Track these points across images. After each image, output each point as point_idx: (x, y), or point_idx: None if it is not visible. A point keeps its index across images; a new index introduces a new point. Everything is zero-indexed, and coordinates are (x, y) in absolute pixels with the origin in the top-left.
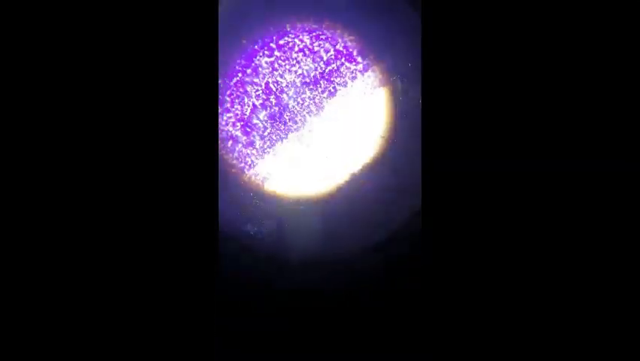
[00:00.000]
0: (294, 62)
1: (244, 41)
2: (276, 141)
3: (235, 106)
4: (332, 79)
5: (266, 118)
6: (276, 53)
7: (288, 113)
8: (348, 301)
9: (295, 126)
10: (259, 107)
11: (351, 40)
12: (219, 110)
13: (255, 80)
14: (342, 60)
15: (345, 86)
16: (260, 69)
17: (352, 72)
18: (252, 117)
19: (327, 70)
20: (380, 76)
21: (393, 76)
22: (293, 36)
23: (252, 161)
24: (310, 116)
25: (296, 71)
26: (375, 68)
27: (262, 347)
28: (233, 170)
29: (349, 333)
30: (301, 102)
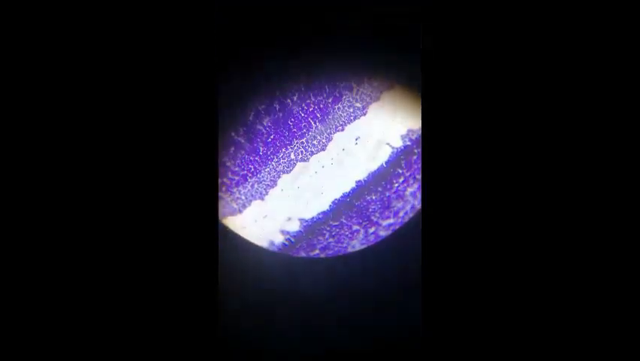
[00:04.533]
0: None
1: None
2: (279, 147)
3: (237, 111)
4: (337, 83)
5: (269, 124)
6: None
7: (292, 119)
8: (347, 301)
9: (299, 132)
10: (262, 112)
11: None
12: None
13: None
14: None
15: (351, 91)
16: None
17: (358, 77)
18: (255, 123)
19: (332, 74)
20: (386, 80)
21: (399, 80)
22: None
23: (254, 168)
24: (315, 122)
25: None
26: (381, 71)
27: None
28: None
29: (348, 334)
30: (306, 108)
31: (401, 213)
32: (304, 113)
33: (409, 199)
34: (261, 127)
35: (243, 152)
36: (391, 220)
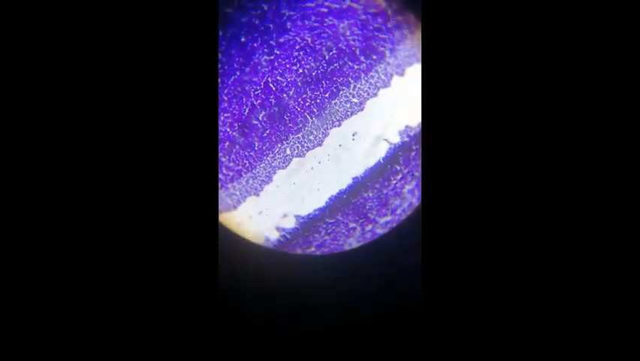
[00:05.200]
0: (295, 60)
1: (243, 39)
2: (275, 142)
3: (232, 106)
4: (334, 79)
5: (265, 119)
6: (276, 51)
7: (288, 114)
8: (346, 300)
9: (295, 128)
10: (258, 107)
11: (353, 39)
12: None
13: (254, 79)
14: (345, 59)
15: (348, 86)
16: (259, 68)
17: (355, 72)
18: (251, 118)
19: (329, 69)
20: (383, 76)
21: (397, 76)
22: (293, 34)
23: (249, 163)
24: (311, 117)
25: (296, 70)
26: (378, 68)
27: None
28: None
29: (347, 334)
30: (302, 103)
31: (398, 211)
32: (300, 108)
33: (407, 197)
34: (256, 122)
35: (237, 147)
36: (389, 218)
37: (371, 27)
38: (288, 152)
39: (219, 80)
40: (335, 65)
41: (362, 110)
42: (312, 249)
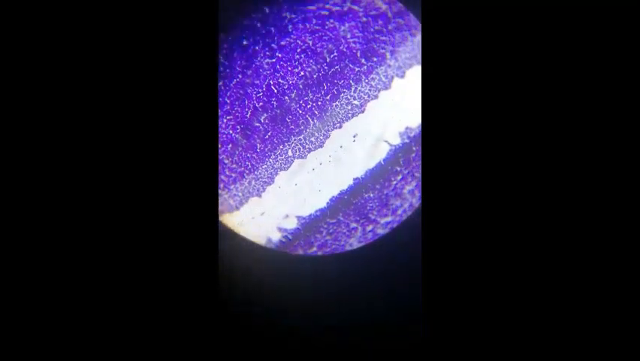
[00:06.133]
0: (296, 63)
1: (245, 42)
2: (277, 144)
3: (235, 108)
4: (335, 81)
5: (267, 121)
6: (278, 54)
7: (290, 116)
8: (347, 300)
9: (297, 129)
10: (260, 109)
11: (354, 42)
12: (219, 113)
13: (256, 81)
14: (346, 62)
15: (349, 88)
16: (261, 70)
17: (356, 74)
18: (253, 120)
19: (330, 72)
20: (384, 79)
21: (397, 78)
22: (295, 37)
23: (252, 165)
24: (312, 119)
25: (298, 73)
26: (379, 70)
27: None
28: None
29: (346, 332)
30: (303, 105)
31: (399, 211)
32: (302, 110)
33: (407, 197)
34: (258, 124)
35: (240, 149)
36: (389, 218)
37: (372, 29)
38: (290, 153)
39: (222, 83)
40: (336, 67)
41: (363, 112)
42: (314, 249)
